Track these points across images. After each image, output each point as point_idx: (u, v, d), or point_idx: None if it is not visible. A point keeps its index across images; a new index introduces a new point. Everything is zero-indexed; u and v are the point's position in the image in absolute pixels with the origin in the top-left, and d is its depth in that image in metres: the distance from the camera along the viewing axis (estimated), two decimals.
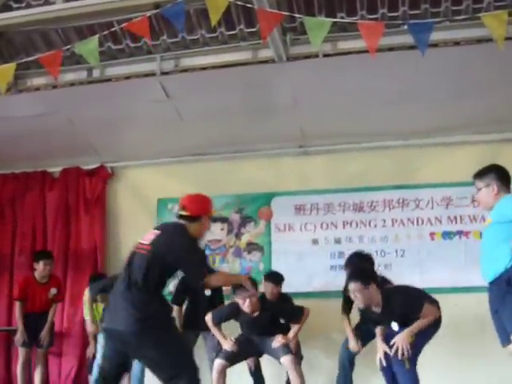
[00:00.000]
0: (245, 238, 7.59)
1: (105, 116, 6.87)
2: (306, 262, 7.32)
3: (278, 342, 5.65)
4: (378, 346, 5.11)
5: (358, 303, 5.06)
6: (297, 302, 6.36)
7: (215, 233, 7.62)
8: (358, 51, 5.88)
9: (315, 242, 7.41)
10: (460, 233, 7.24)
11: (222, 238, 7.65)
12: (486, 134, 7.29)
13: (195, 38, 6.06)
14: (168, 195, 7.80)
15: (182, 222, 4.11)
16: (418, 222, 7.30)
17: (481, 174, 4.36)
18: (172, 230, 4.09)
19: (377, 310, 5.02)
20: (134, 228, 7.75)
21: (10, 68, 5.09)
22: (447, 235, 7.24)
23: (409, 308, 4.93)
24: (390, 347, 4.86)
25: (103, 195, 8.02)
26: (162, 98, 6.47)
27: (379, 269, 6.06)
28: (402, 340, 4.80)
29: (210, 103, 6.62)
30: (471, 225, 7.20)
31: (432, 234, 7.25)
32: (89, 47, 4.77)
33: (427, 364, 5.18)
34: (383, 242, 7.24)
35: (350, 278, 5.06)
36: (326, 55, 6.06)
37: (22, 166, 8.18)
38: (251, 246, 7.54)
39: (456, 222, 7.26)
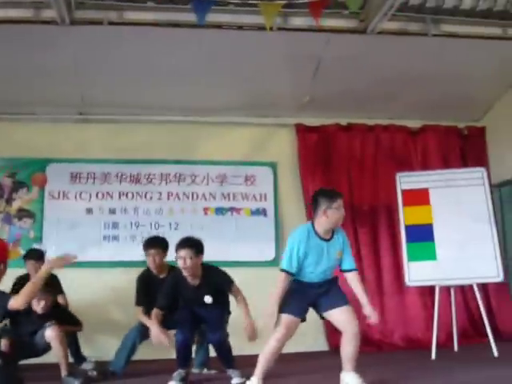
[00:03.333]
0: (16, 204, 7.27)
1: None
2: (80, 232, 7.21)
3: None
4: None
5: (185, 272, 5.09)
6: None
7: None
8: (145, 23, 5.93)
9: (89, 211, 7.33)
10: (232, 209, 7.58)
11: None
12: (262, 118, 7.74)
13: None
14: None
15: None
16: (193, 196, 7.55)
17: None
18: None
19: (194, 282, 5.18)
20: None
21: None
22: (220, 211, 7.54)
23: (224, 282, 5.23)
24: None
25: None
26: None
27: None
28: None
29: None
30: (242, 202, 7.59)
31: (206, 209, 7.52)
32: None
33: None
34: (158, 215, 7.37)
35: (184, 243, 5.12)
36: (111, 23, 5.99)
37: None
38: (22, 213, 7.24)
39: (229, 199, 7.61)
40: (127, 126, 7.53)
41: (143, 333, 5.54)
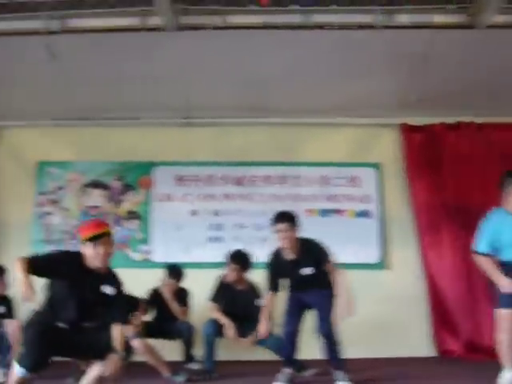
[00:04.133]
0: (124, 206, 7.53)
1: None
2: (184, 233, 7.38)
3: None
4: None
5: (283, 244, 5.17)
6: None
7: (94, 199, 7.55)
8: (248, 26, 5.97)
9: (194, 213, 7.48)
10: (336, 211, 7.51)
11: (101, 205, 7.56)
12: (365, 118, 7.60)
13: None
14: (49, 158, 7.66)
15: None
16: (295, 198, 7.51)
17: None
18: None
19: (291, 256, 5.21)
20: (11, 190, 7.59)
21: None
22: (324, 213, 7.48)
23: (321, 254, 5.21)
24: None
25: None
26: (46, 58, 6.26)
27: None
28: None
29: (97, 66, 6.48)
30: (346, 204, 7.50)
31: (309, 211, 7.47)
32: None
33: None
34: (261, 216, 7.38)
35: (280, 217, 5.19)
36: (216, 28, 6.06)
37: None
38: (130, 215, 7.50)
39: (332, 201, 7.53)
40: (231, 129, 7.61)
41: (218, 329, 5.75)
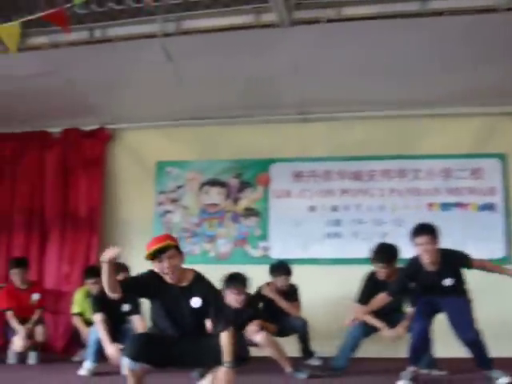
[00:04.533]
0: (242, 204, 7.60)
1: (105, 77, 6.79)
2: (303, 229, 7.36)
3: None
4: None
5: (424, 258, 5.04)
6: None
7: (213, 197, 7.66)
8: (362, 17, 5.85)
9: (312, 209, 7.44)
10: (458, 205, 7.25)
11: (219, 203, 7.66)
12: (486, 107, 7.28)
13: None
14: (167, 158, 7.85)
15: None
16: (416, 192, 7.32)
17: None
18: None
19: (433, 268, 5.09)
20: (133, 190, 7.86)
21: (15, 27, 5.00)
22: (446, 207, 7.25)
23: (461, 258, 5.13)
24: None
25: (102, 157, 7.97)
26: (162, 60, 6.39)
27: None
28: None
29: (211, 67, 6.55)
30: (469, 197, 7.23)
31: (430, 205, 7.27)
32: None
33: None
34: (380, 212, 7.25)
35: (420, 230, 5.10)
36: (329, 20, 5.98)
37: (22, 125, 8.11)
38: (248, 212, 7.56)
39: (455, 194, 7.28)
40: (347, 123, 7.50)
41: (366, 330, 5.53)
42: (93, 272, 6.46)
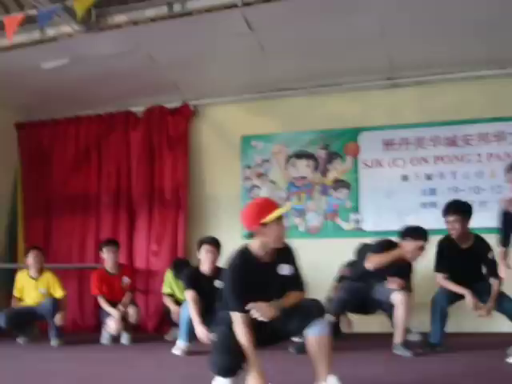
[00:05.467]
0: (331, 175, 7.40)
1: (186, 52, 6.70)
2: (396, 200, 7.09)
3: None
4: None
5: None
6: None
7: (300, 170, 7.48)
8: None
9: (405, 178, 7.16)
10: None
11: (307, 175, 7.48)
12: None
13: None
14: (252, 132, 7.74)
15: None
16: None
17: None
18: None
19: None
20: (218, 166, 7.81)
21: None
22: None
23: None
24: None
25: (186, 133, 7.94)
26: (244, 30, 6.21)
27: None
28: None
29: (294, 35, 6.34)
30: None
31: None
32: None
33: None
34: (478, 178, 6.89)
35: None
36: None
37: (106, 106, 8.20)
38: (338, 183, 7.35)
39: None
40: (438, 87, 7.14)
41: (450, 298, 5.29)
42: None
